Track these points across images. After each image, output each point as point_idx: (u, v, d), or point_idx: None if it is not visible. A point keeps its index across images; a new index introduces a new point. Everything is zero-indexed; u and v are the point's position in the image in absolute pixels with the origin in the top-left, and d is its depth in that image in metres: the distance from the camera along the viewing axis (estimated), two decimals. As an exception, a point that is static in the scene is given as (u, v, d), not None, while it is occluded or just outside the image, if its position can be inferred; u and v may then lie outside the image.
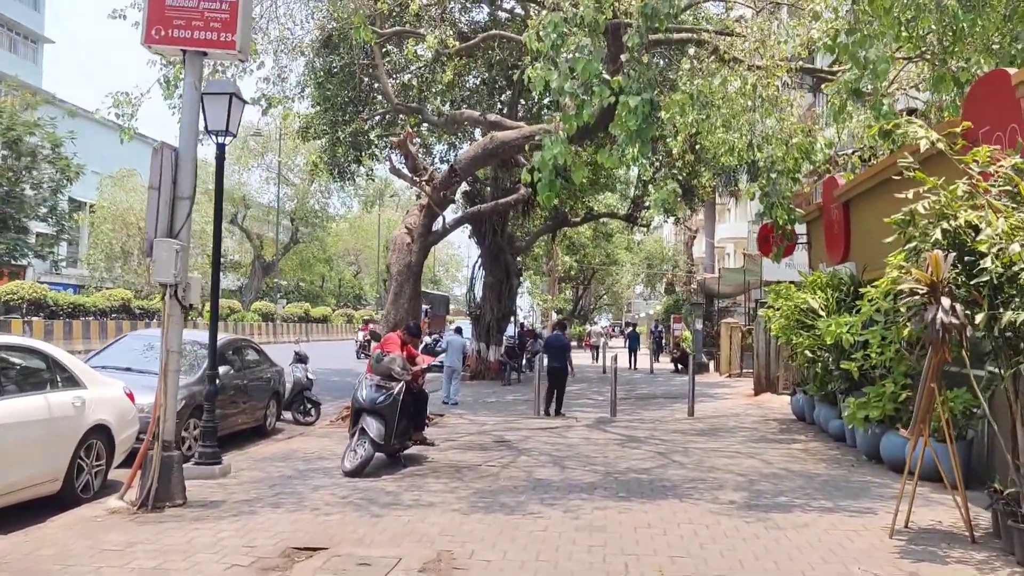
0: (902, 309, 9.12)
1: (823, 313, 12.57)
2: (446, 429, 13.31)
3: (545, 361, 15.71)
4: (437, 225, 14.69)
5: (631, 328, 38.11)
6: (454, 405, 18.05)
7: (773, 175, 12.02)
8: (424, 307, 36.28)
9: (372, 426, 9.23)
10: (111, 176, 52.54)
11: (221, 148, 9.34)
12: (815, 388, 12.90)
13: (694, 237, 49.61)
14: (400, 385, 9.53)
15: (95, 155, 53.44)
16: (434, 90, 22.24)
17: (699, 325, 30.64)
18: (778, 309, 14.13)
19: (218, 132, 9.17)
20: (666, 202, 11.69)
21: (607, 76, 8.59)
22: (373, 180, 29.21)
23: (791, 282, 15.31)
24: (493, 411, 17.11)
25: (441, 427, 13.71)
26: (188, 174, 7.81)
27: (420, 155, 15.16)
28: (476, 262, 28.53)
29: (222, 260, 57.26)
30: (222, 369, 11.81)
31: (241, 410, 12.54)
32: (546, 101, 18.86)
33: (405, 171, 14.27)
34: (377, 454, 9.59)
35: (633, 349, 33.82)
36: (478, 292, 28.16)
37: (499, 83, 23.25)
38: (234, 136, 9.30)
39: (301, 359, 15.39)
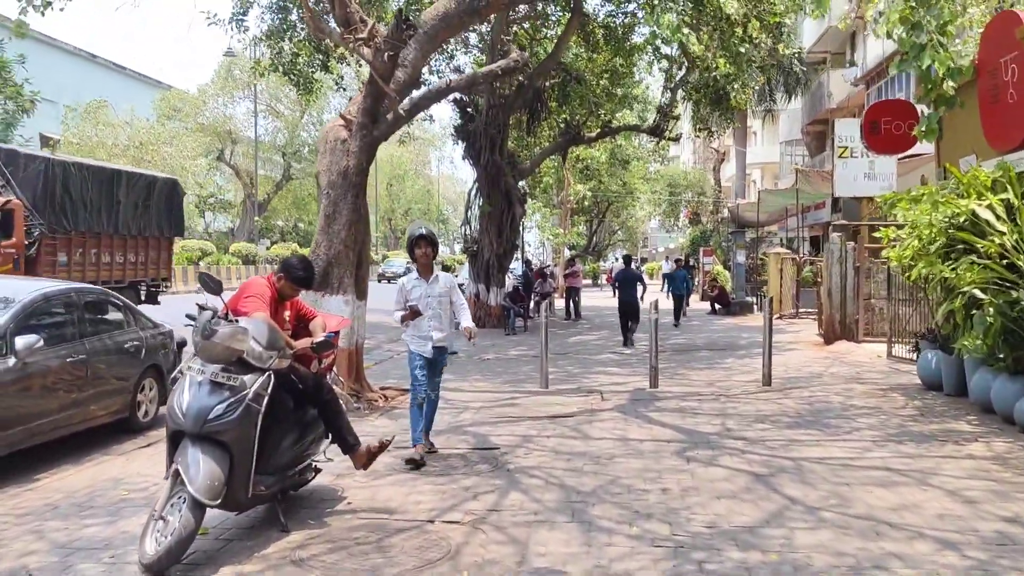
0: None
1: (1002, 228, 7.74)
2: (403, 420, 8.64)
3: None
4: (396, 113, 9.73)
5: (675, 263, 25.61)
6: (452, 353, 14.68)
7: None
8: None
9: (197, 468, 4.51)
10: (76, 108, 47.55)
11: None
12: (983, 348, 8.07)
13: (722, 160, 44.33)
14: (262, 378, 4.80)
15: (67, 88, 48.63)
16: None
17: (741, 258, 25.68)
18: (903, 227, 9.30)
19: None
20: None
21: None
22: (344, 89, 24.12)
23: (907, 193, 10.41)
24: (488, 376, 12.54)
25: (395, 414, 9.04)
26: None
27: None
28: (471, 188, 23.63)
29: (211, 200, 48.75)
30: (24, 341, 7.12)
31: (79, 399, 7.88)
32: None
33: (330, 25, 9.32)
34: (228, 512, 4.97)
35: (680, 293, 22.38)
36: (475, 224, 23.32)
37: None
38: None
39: (206, 315, 10.71)
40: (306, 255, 5.47)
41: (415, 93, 9.43)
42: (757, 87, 25.69)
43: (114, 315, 9.11)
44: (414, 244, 6.88)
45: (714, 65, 15.81)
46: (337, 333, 5.70)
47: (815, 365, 13.52)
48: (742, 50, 15.50)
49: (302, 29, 18.84)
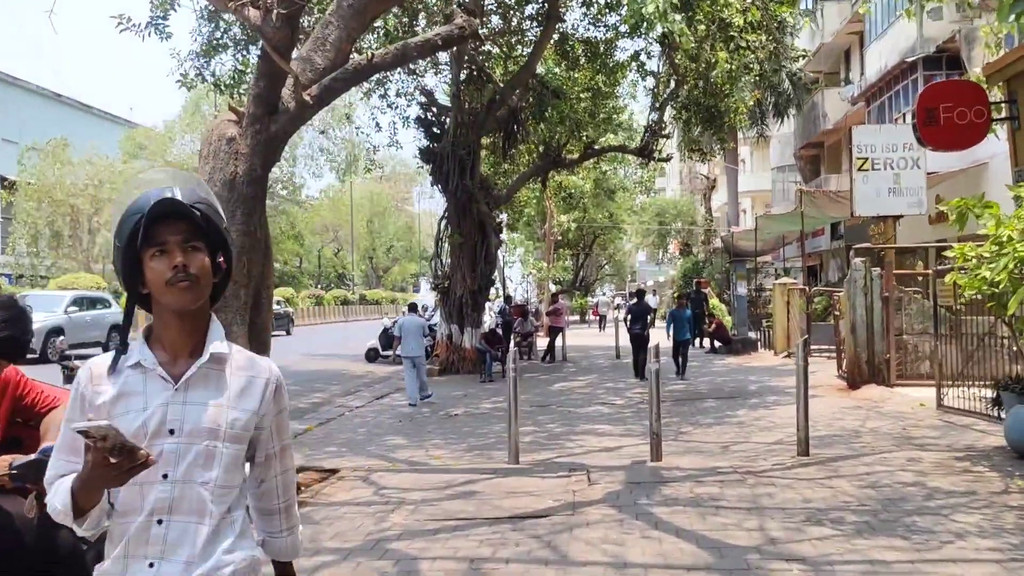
0: None
1: None
2: (326, 522, 6.03)
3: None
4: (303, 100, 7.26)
5: (683, 296, 21.02)
6: (425, 399, 14.00)
7: None
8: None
9: None
10: (36, 148, 45.15)
11: None
12: None
13: (712, 187, 42.17)
14: None
15: (30, 127, 46.45)
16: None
17: (742, 290, 23.23)
18: (1001, 244, 6.90)
19: None
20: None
21: None
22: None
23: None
24: (450, 439, 10.08)
25: (315, 513, 6.46)
26: None
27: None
28: (441, 217, 21.23)
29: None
30: None
31: None
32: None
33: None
34: None
35: (685, 339, 17.20)
36: (446, 259, 20.87)
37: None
38: None
39: (71, 377, 8.20)
40: (14, 297, 2.94)
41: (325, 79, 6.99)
42: (751, 101, 23.53)
43: None
44: (131, 239, 1.86)
45: (713, 60, 13.46)
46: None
47: (847, 418, 11.07)
48: (741, 44, 13.20)
49: (244, 39, 16.66)
